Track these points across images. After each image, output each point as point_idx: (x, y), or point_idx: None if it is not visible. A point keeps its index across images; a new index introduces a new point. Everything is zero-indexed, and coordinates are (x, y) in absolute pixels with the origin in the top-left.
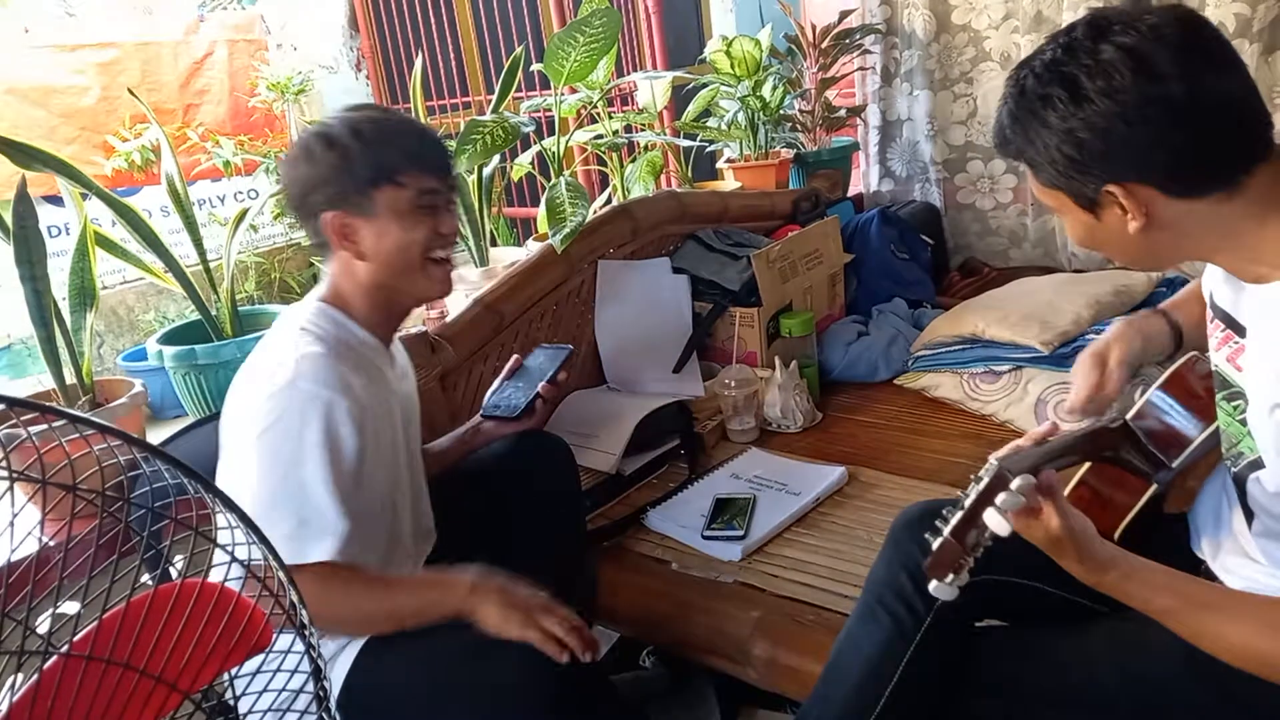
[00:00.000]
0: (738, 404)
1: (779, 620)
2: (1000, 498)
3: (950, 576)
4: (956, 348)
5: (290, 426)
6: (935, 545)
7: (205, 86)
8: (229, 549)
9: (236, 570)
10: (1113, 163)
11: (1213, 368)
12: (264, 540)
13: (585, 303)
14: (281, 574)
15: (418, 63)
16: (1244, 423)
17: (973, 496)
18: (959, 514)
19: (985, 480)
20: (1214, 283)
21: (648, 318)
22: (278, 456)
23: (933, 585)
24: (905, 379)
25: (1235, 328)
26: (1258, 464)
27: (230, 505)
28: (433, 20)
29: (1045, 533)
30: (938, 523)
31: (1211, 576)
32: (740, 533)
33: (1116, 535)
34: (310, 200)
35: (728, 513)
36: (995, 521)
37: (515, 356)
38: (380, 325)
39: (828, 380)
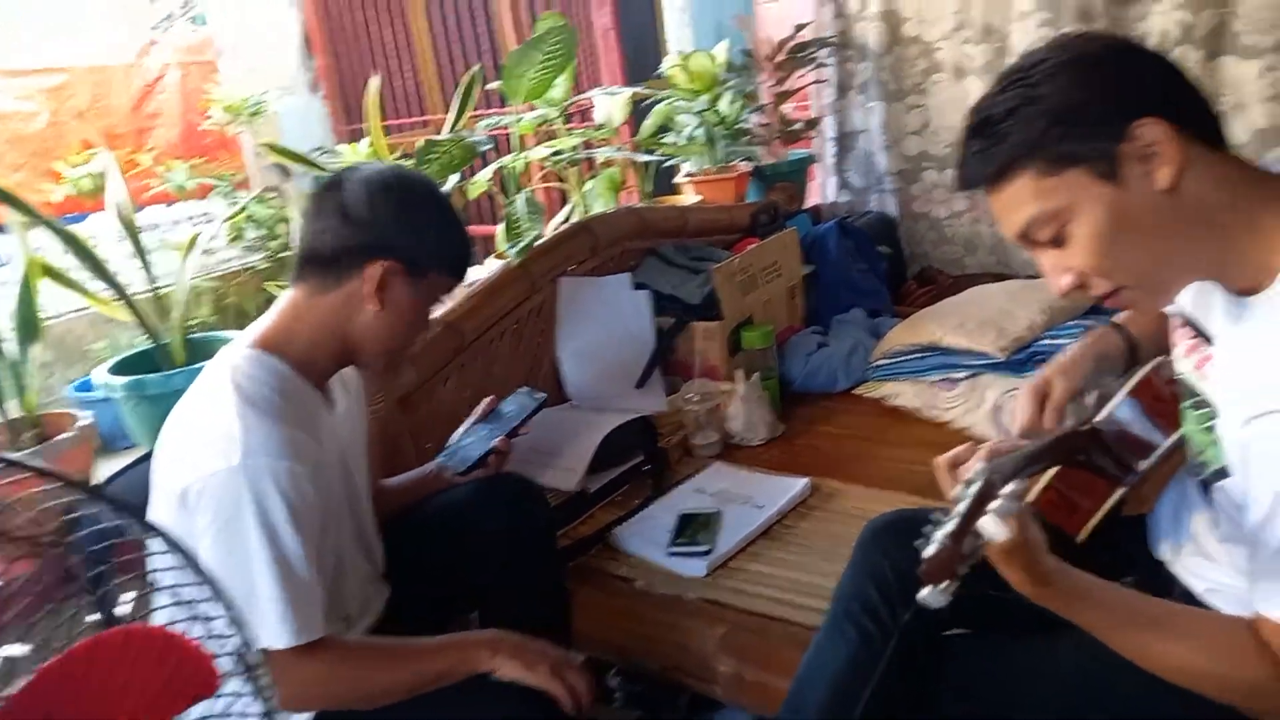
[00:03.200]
0: (701, 418)
1: (745, 636)
2: (995, 504)
3: (945, 583)
4: (914, 356)
5: (251, 507)
6: (930, 551)
7: (157, 110)
8: (162, 586)
9: (183, 611)
10: (1130, 87)
11: (1178, 375)
12: (210, 582)
13: (547, 320)
14: (227, 612)
15: (373, 82)
16: (1209, 431)
17: (966, 502)
18: (954, 520)
19: (978, 485)
20: (1189, 287)
21: (610, 334)
22: (248, 540)
23: (925, 592)
24: (865, 388)
25: (1204, 336)
26: (1222, 473)
27: (172, 543)
28: (389, 40)
29: (1007, 538)
30: (927, 529)
31: (1172, 578)
32: (705, 548)
33: (1081, 538)
34: (379, 239)
35: (692, 528)
36: (994, 529)
37: (490, 398)
38: (322, 373)
39: (789, 392)
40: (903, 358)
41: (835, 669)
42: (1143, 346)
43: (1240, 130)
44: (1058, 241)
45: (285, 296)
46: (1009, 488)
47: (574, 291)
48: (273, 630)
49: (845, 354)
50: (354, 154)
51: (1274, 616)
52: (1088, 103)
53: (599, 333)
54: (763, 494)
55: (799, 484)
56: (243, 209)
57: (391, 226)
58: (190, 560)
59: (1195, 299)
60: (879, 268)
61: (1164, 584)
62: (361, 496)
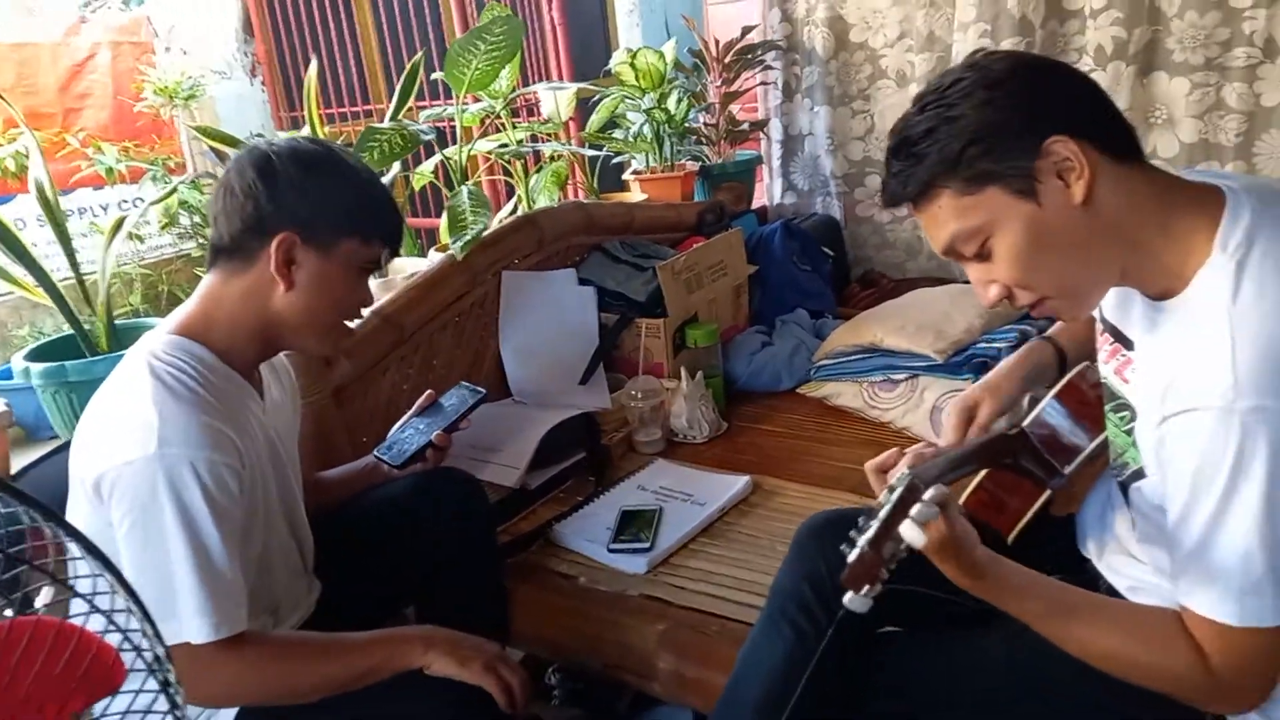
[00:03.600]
0: (644, 415)
1: (684, 633)
2: (915, 510)
3: (866, 588)
4: (856, 357)
5: (167, 497)
6: (852, 557)
7: (87, 90)
8: (66, 579)
9: (92, 610)
10: (1041, 107)
11: (1101, 379)
12: (115, 574)
13: (489, 314)
14: (134, 606)
15: (312, 68)
16: (1129, 433)
17: (888, 508)
18: (875, 525)
19: (899, 491)
20: (1105, 297)
21: (553, 330)
22: (165, 530)
23: (848, 597)
24: (807, 388)
25: (1123, 341)
26: (1141, 474)
27: (79, 538)
28: (332, 25)
29: (935, 536)
30: (853, 534)
31: (1097, 575)
32: (646, 545)
33: (1011, 538)
34: (277, 212)
35: (634, 525)
36: (912, 534)
37: (429, 392)
38: (248, 360)
39: (733, 390)
40: (844, 358)
41: (770, 666)
42: (1071, 356)
43: (1170, 144)
44: (982, 255)
45: (203, 282)
46: (930, 493)
47: (518, 286)
48: (191, 624)
49: (788, 354)
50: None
51: (1196, 609)
52: (1002, 122)
53: (542, 328)
54: (704, 491)
55: (740, 481)
56: (170, 192)
57: (280, 198)
58: (105, 562)
59: (1116, 306)
60: (823, 270)
61: (1090, 581)
62: (293, 489)
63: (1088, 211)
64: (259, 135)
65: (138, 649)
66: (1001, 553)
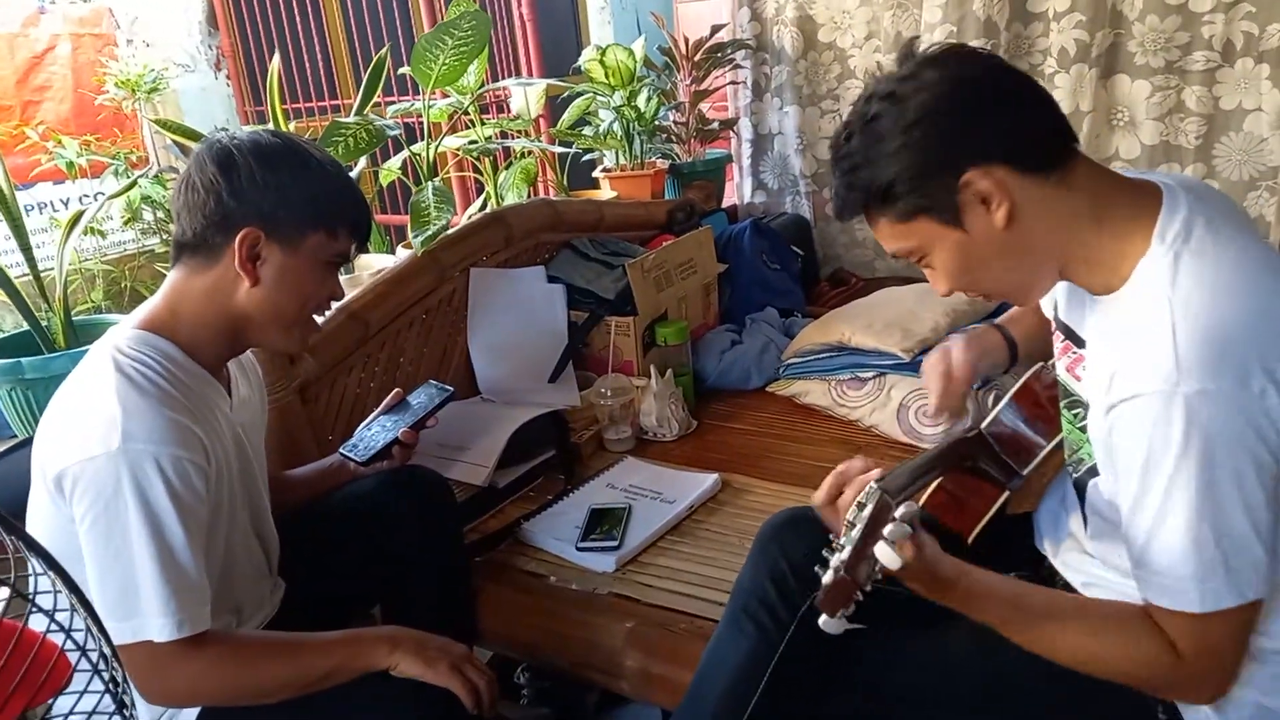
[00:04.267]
0: (614, 413)
1: (651, 630)
2: (888, 529)
3: (841, 611)
4: (825, 355)
5: (130, 493)
6: (828, 579)
7: (46, 82)
8: (10, 581)
9: (34, 609)
10: (952, 145)
11: (1056, 378)
12: (59, 572)
13: (457, 312)
14: (78, 602)
15: (275, 62)
16: (1084, 430)
17: (859, 528)
18: (849, 548)
19: (870, 508)
20: (1059, 297)
21: (522, 327)
22: (128, 527)
23: (823, 620)
24: (776, 386)
25: (1075, 339)
26: (1095, 470)
27: (26, 541)
28: (298, 19)
29: (908, 558)
30: (825, 553)
31: (1054, 571)
32: (615, 543)
33: (971, 538)
34: (240, 207)
35: (603, 523)
36: (888, 556)
37: (397, 390)
38: (215, 356)
39: (703, 388)
40: (813, 356)
41: (734, 663)
42: (1022, 346)
43: (1132, 146)
44: (924, 264)
45: (169, 278)
46: (901, 510)
47: (486, 283)
48: (154, 622)
49: (758, 352)
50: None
51: (1157, 602)
52: (921, 162)
53: (511, 325)
54: (673, 489)
55: (709, 479)
56: (131, 185)
57: (242, 194)
58: (49, 560)
59: (1068, 306)
60: (792, 268)
61: (1047, 578)
62: (259, 487)
63: (1014, 230)
64: (223, 129)
65: (83, 649)
66: (961, 552)
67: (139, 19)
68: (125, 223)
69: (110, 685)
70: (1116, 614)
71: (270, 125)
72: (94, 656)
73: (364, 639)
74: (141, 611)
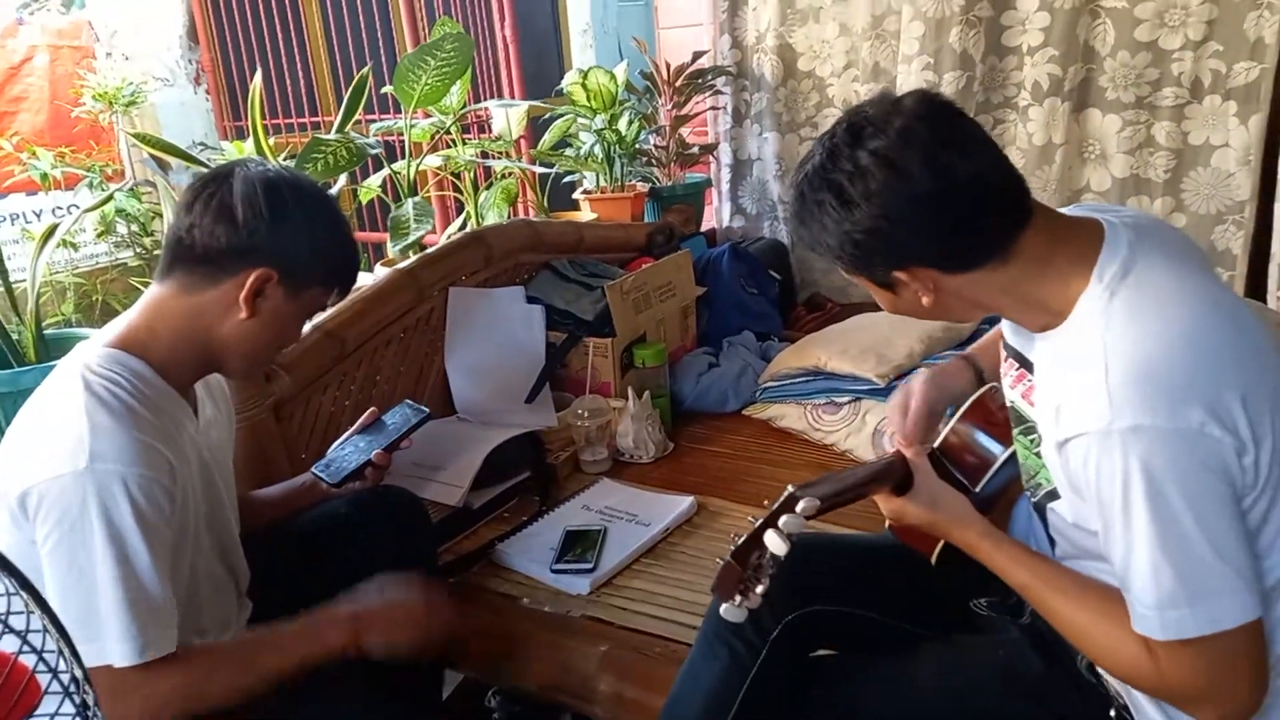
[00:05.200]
0: (590, 434)
1: (625, 654)
2: (783, 519)
3: (738, 599)
4: (801, 379)
5: (96, 514)
6: (718, 565)
7: (23, 94)
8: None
9: (5, 630)
10: (889, 254)
11: (1008, 402)
12: (31, 592)
13: (435, 331)
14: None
15: (257, 78)
16: (1039, 455)
17: (760, 519)
18: (744, 535)
19: (776, 504)
20: (1008, 323)
21: (500, 347)
22: (92, 549)
23: (721, 608)
24: (753, 409)
25: (1026, 365)
26: (1054, 494)
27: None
28: (280, 35)
29: (918, 506)
30: (730, 545)
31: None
32: (590, 565)
33: (934, 557)
34: (270, 245)
35: (578, 545)
36: (774, 543)
37: (372, 409)
38: (185, 378)
39: (680, 411)
40: (789, 380)
41: (706, 687)
42: (989, 375)
43: (1104, 179)
44: None
45: (149, 293)
46: (802, 504)
47: (465, 302)
48: (115, 647)
49: (735, 375)
50: (238, 150)
51: (1133, 627)
52: (856, 253)
53: (489, 345)
54: (649, 511)
55: (685, 502)
56: (107, 199)
57: (279, 234)
58: (21, 579)
59: (1014, 333)
60: (770, 292)
61: (1017, 601)
62: (226, 508)
63: (939, 305)
64: (202, 144)
65: (54, 670)
66: (929, 575)
67: (118, 32)
68: (99, 235)
69: (81, 709)
70: (1121, 611)
71: (251, 142)
72: (65, 679)
73: (321, 627)
74: (103, 636)
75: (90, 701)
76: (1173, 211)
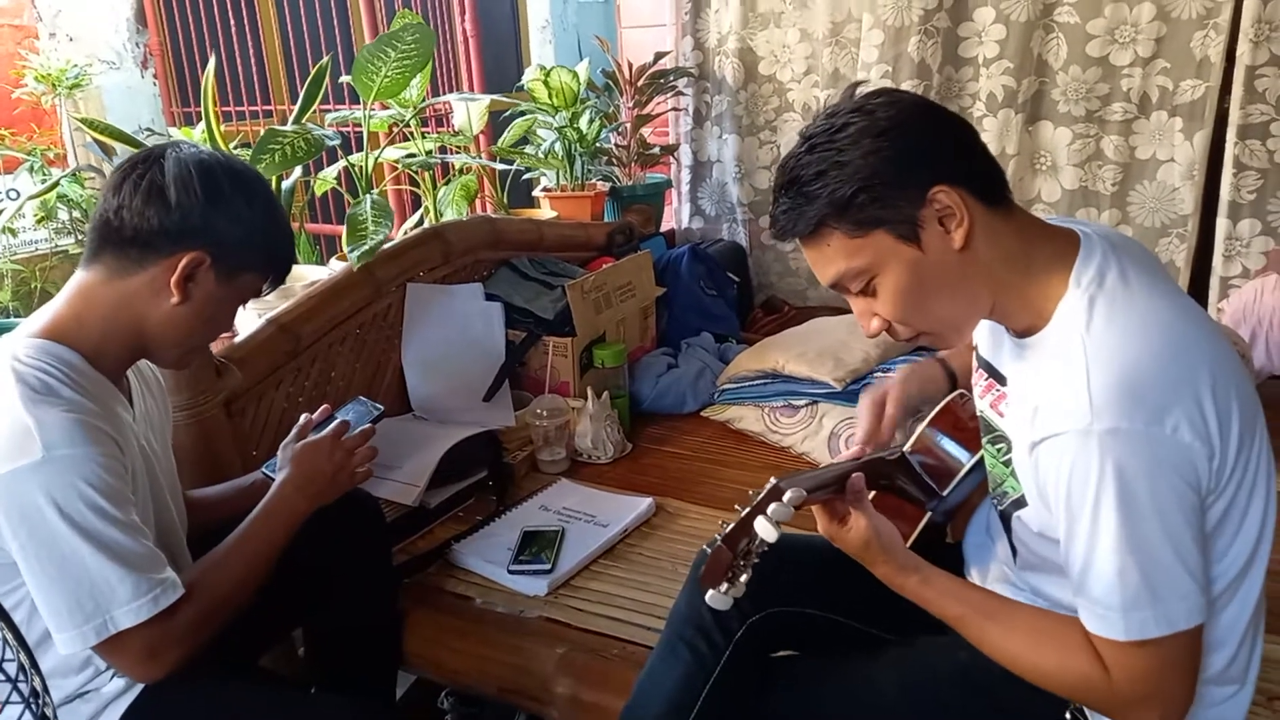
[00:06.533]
0: (549, 434)
1: (583, 656)
2: (771, 507)
3: (725, 586)
4: (758, 382)
5: (51, 508)
6: (708, 553)
7: None
8: None
9: None
10: (922, 166)
11: (978, 413)
12: None
13: (392, 327)
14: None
15: (210, 64)
16: (1007, 464)
17: (747, 508)
18: (733, 524)
19: (761, 494)
20: (980, 336)
21: (458, 345)
22: (63, 537)
23: (708, 595)
24: (711, 411)
25: (997, 377)
26: (1021, 502)
27: None
28: (232, 21)
29: (855, 535)
30: (716, 534)
31: None
32: (547, 566)
33: None
34: (202, 229)
35: (535, 546)
36: (764, 529)
37: (325, 406)
38: (116, 366)
39: (638, 411)
40: (747, 383)
41: (668, 689)
42: (961, 378)
43: (1054, 190)
44: (866, 291)
45: (75, 280)
46: (789, 494)
47: (422, 299)
48: (129, 609)
49: (693, 376)
50: (187, 138)
51: (1089, 627)
52: (889, 172)
53: (447, 343)
54: (607, 512)
55: (643, 503)
56: (53, 186)
57: (213, 217)
58: None
59: (989, 344)
60: (729, 294)
61: None
62: (168, 505)
63: (964, 255)
64: (149, 130)
65: (13, 681)
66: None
67: (62, 12)
68: (38, 221)
69: (31, 699)
70: (1056, 628)
71: (202, 128)
72: (11, 669)
73: (282, 506)
74: (112, 605)
75: (39, 688)
76: (1119, 224)
